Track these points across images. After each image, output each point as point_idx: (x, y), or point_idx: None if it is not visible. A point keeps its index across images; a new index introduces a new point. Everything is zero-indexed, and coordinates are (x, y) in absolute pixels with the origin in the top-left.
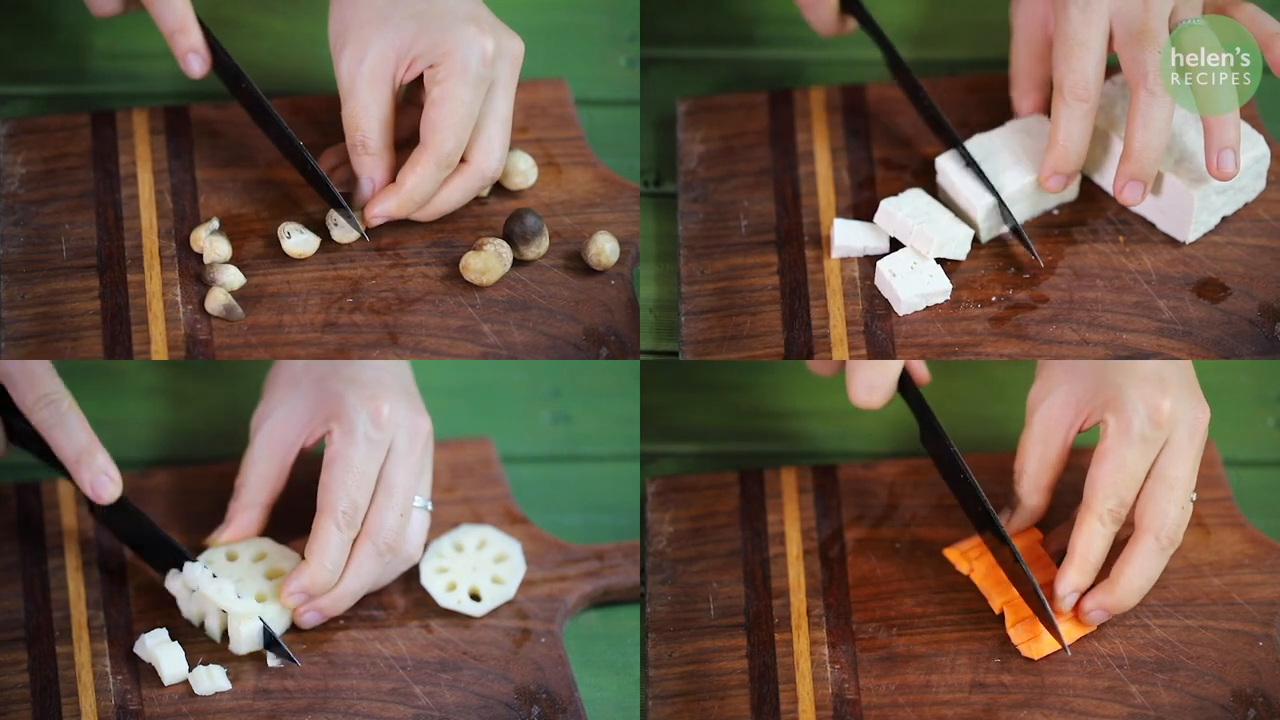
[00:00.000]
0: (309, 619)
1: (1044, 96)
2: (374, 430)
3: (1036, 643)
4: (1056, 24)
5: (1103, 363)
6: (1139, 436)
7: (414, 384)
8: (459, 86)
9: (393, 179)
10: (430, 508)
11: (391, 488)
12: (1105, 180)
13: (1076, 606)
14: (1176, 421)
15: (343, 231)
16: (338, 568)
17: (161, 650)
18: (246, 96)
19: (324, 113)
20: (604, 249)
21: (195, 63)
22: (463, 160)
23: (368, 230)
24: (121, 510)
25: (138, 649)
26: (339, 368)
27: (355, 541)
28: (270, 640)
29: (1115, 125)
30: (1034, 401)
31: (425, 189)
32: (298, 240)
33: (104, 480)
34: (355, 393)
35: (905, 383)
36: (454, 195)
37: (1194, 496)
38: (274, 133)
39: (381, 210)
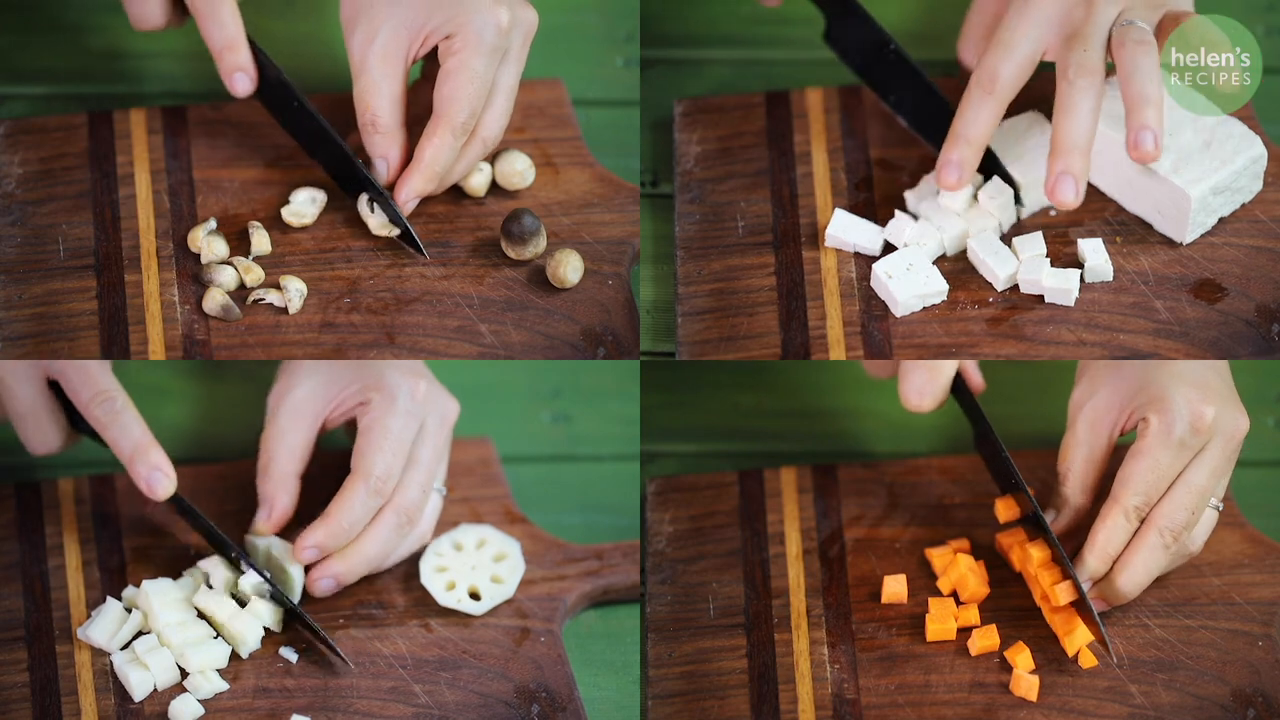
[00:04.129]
0: (324, 585)
1: None
2: (412, 404)
3: (1073, 637)
4: (1003, 17)
5: (1146, 363)
6: (1178, 441)
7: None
8: (474, 57)
9: (408, 158)
10: (445, 493)
11: (419, 463)
12: (1100, 179)
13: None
14: (1216, 431)
15: (379, 222)
16: (354, 529)
17: (130, 669)
18: (292, 114)
19: (323, 111)
20: (568, 265)
21: (243, 82)
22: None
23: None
24: (177, 506)
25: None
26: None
27: (379, 510)
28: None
29: (1109, 122)
30: (1077, 403)
31: (445, 160)
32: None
33: (158, 476)
34: (395, 369)
35: (959, 386)
36: (462, 165)
37: (1219, 506)
38: (306, 132)
39: (410, 191)
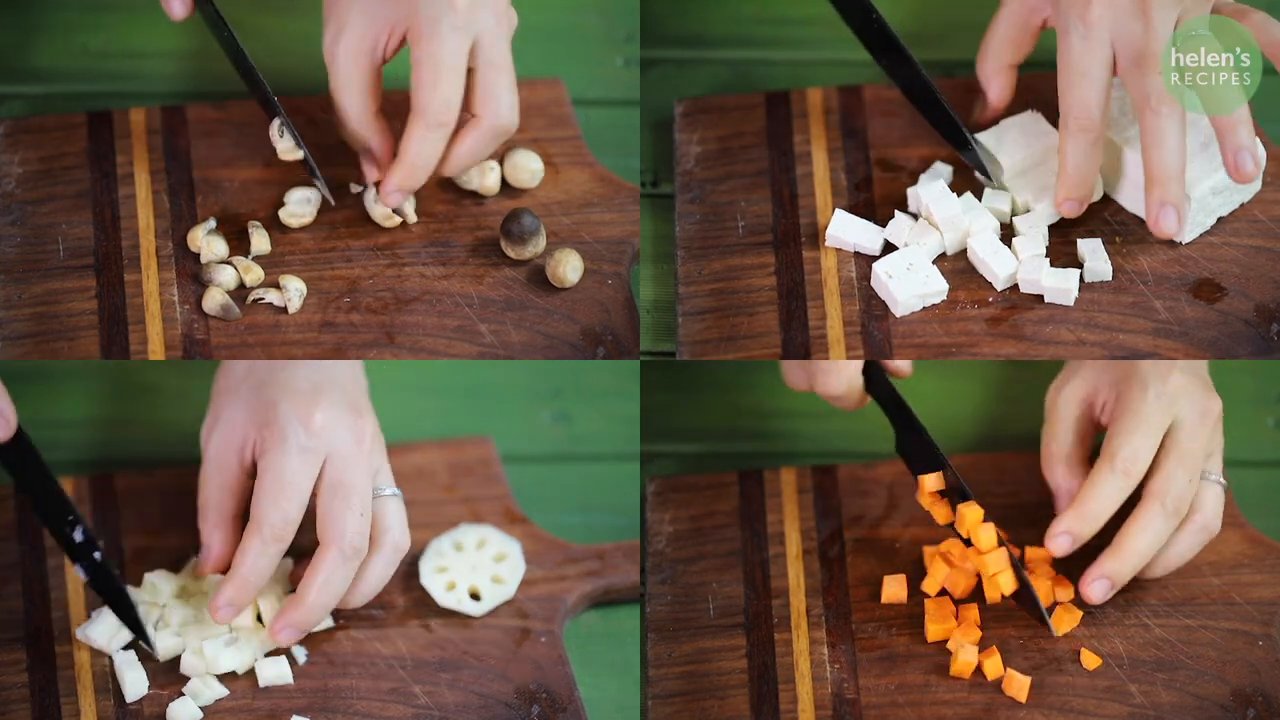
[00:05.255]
0: (284, 638)
1: (1010, 82)
2: (306, 439)
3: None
4: (1059, 51)
5: (1119, 361)
6: (1154, 396)
7: (361, 382)
8: (433, 42)
9: (391, 147)
10: (399, 494)
11: (346, 490)
12: (1122, 197)
13: (1082, 582)
14: (1183, 394)
15: (286, 147)
16: (259, 580)
17: (127, 668)
18: (231, 48)
19: (321, 111)
20: (568, 264)
21: (176, 4)
22: (474, 115)
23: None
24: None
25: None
26: (276, 372)
27: (319, 550)
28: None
29: (1129, 141)
30: (1052, 392)
31: (427, 153)
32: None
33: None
34: (289, 401)
35: (878, 379)
36: (466, 151)
37: (1224, 483)
38: (253, 84)
39: (390, 185)
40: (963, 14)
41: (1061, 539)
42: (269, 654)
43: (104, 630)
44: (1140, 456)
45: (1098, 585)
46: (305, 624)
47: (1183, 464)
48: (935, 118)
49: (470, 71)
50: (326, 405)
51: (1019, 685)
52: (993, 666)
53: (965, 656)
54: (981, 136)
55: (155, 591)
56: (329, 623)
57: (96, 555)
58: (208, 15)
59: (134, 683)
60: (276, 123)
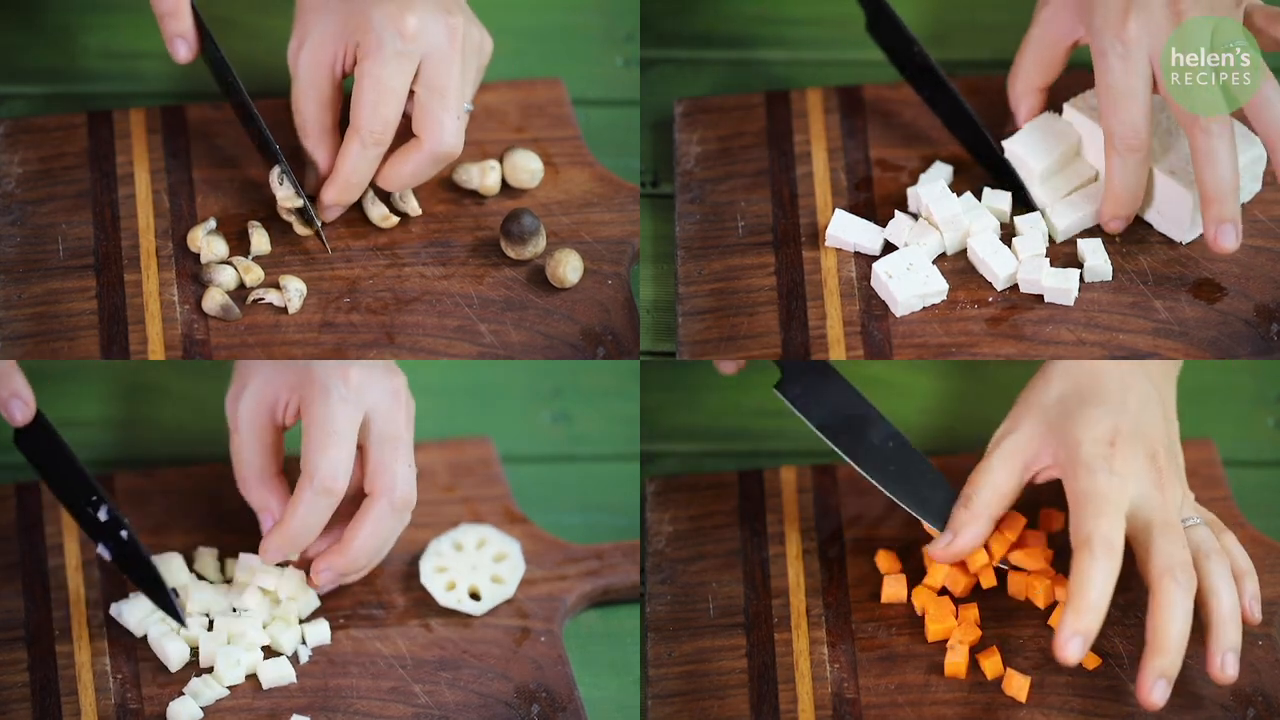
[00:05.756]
0: (324, 579)
1: (1039, 103)
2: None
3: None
4: (1098, 72)
5: (1072, 404)
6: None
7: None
8: (374, 65)
9: (336, 161)
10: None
11: (394, 437)
12: (1152, 216)
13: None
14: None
15: (285, 194)
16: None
17: (165, 640)
18: (233, 94)
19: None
20: (567, 264)
21: (181, 48)
22: (415, 137)
23: (324, 225)
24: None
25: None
26: None
27: (367, 500)
28: None
29: (1152, 157)
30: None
31: (360, 169)
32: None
33: (17, 403)
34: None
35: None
36: (404, 170)
37: (1198, 520)
38: (253, 131)
39: (326, 198)
40: (962, 15)
41: (1073, 643)
42: (268, 656)
43: (138, 612)
44: (387, 122)
45: (324, 574)
46: (347, 569)
47: (1168, 528)
48: (976, 147)
49: (413, 94)
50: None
51: (1019, 685)
52: (992, 666)
53: (955, 657)
54: (1007, 143)
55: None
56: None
57: (123, 534)
58: (212, 60)
59: (176, 653)
60: (276, 170)
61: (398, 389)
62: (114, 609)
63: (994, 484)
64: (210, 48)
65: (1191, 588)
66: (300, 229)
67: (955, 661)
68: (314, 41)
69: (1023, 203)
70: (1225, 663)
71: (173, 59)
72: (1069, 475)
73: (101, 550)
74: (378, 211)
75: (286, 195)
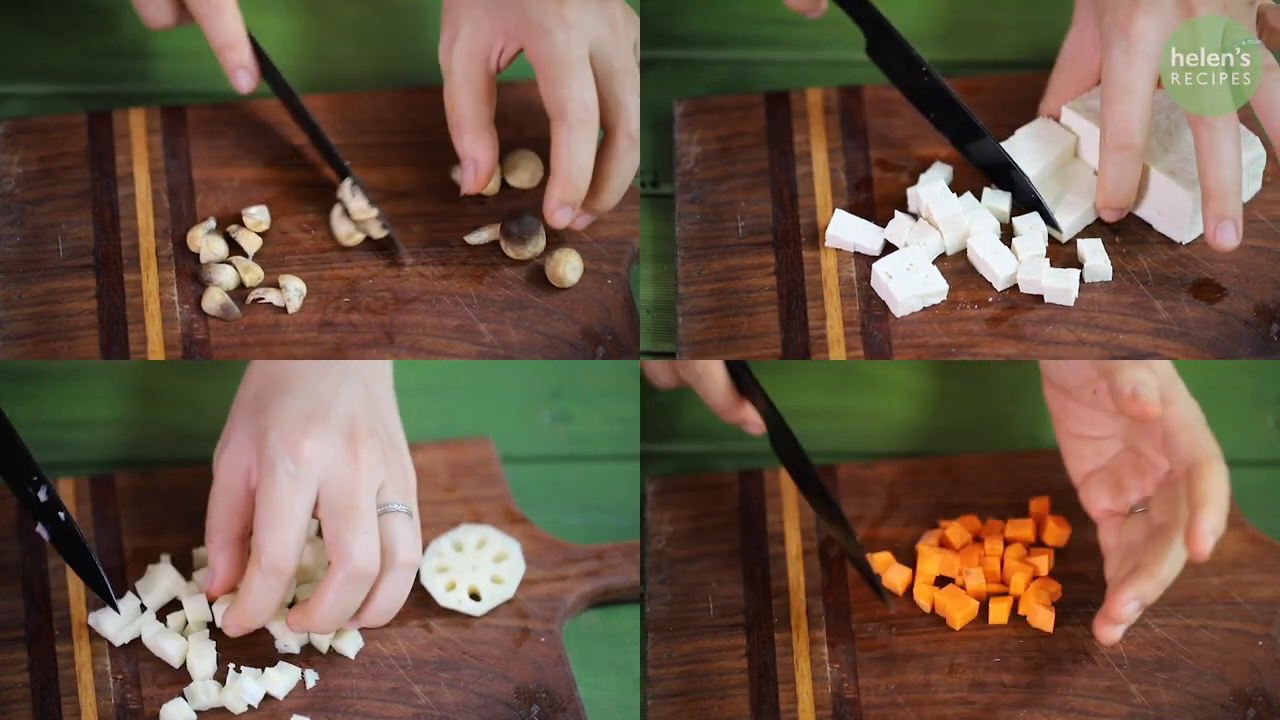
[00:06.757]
0: (289, 640)
1: None
2: (295, 468)
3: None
4: (1103, 66)
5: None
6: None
7: (378, 402)
8: (550, 65)
9: (496, 159)
10: (407, 509)
11: (345, 511)
12: (1144, 211)
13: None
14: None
15: (359, 207)
16: (262, 610)
17: (162, 639)
18: (298, 111)
19: (320, 112)
20: (567, 264)
21: (244, 79)
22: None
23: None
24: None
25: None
26: (275, 397)
27: (327, 570)
28: None
29: (1152, 156)
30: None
31: (580, 157)
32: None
33: (243, 74)
34: (277, 430)
35: (744, 379)
36: (620, 167)
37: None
38: (321, 145)
39: (554, 203)
40: (962, 16)
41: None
42: (282, 657)
43: (115, 621)
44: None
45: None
46: (313, 630)
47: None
48: (991, 168)
49: (596, 77)
50: (317, 434)
51: (1044, 618)
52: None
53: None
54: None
55: (154, 585)
56: (359, 642)
57: (61, 515)
58: (275, 83)
59: (176, 650)
60: (348, 183)
61: (356, 457)
62: (91, 619)
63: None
64: (271, 73)
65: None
66: (376, 234)
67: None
68: (467, 34)
69: (1046, 219)
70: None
71: (235, 88)
72: (529, 41)
73: (41, 530)
74: (343, 229)
75: (361, 207)
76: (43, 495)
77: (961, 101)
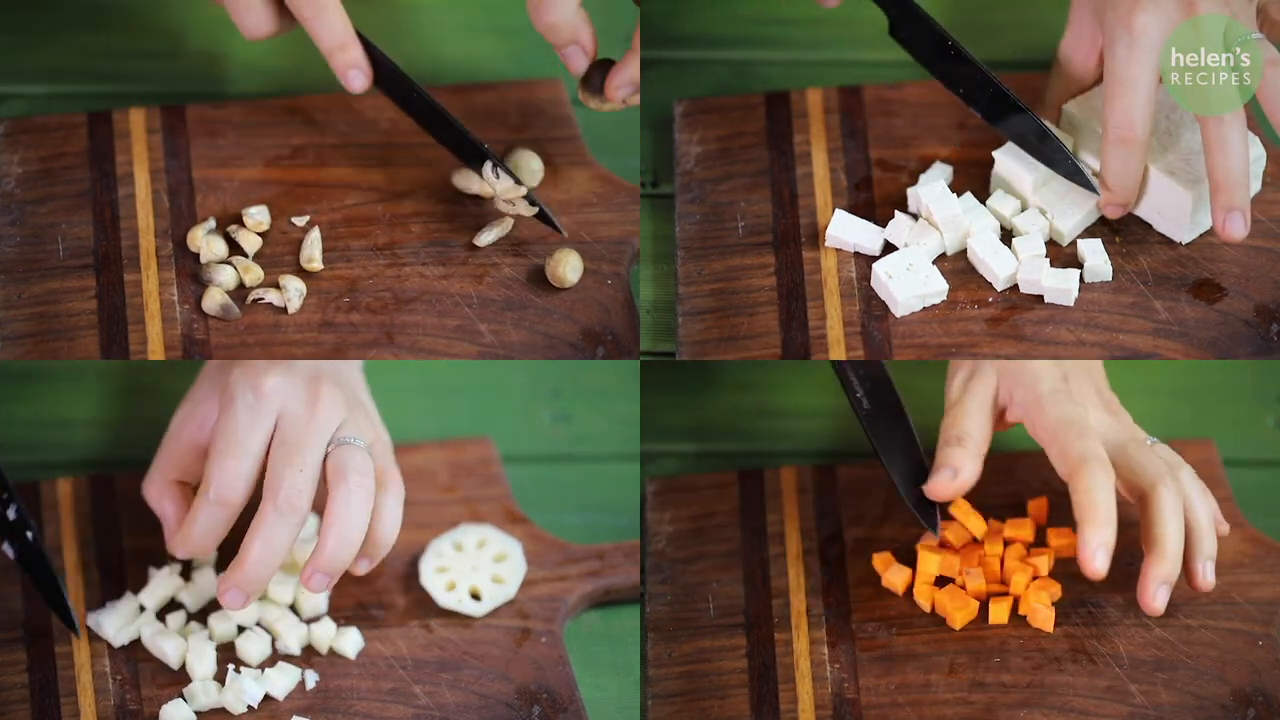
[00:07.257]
0: (229, 599)
1: None
2: (255, 400)
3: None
4: (1105, 62)
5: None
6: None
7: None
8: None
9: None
10: (361, 443)
11: (290, 448)
12: (1144, 211)
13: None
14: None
15: (505, 187)
16: (208, 539)
17: (161, 639)
18: (415, 104)
19: (320, 111)
20: (567, 264)
21: (357, 79)
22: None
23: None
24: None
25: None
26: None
27: (259, 508)
28: None
29: (1152, 156)
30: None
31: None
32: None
33: (355, 74)
34: (241, 368)
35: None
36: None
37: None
38: (451, 134)
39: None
40: (961, 16)
41: (1098, 556)
42: (282, 658)
43: (114, 622)
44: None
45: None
46: (246, 585)
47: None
48: (1024, 137)
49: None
50: (281, 373)
51: (1044, 617)
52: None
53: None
54: (998, 154)
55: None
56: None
57: (29, 535)
58: (388, 81)
59: (175, 650)
60: (489, 165)
61: (316, 397)
62: (91, 619)
63: (979, 423)
64: (383, 73)
65: (1180, 494)
66: (526, 211)
67: (1040, 612)
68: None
69: (1086, 186)
70: (1205, 570)
71: (347, 90)
72: (1036, 412)
73: (6, 548)
74: (502, 185)
75: (507, 187)
76: (11, 513)
77: (992, 74)
